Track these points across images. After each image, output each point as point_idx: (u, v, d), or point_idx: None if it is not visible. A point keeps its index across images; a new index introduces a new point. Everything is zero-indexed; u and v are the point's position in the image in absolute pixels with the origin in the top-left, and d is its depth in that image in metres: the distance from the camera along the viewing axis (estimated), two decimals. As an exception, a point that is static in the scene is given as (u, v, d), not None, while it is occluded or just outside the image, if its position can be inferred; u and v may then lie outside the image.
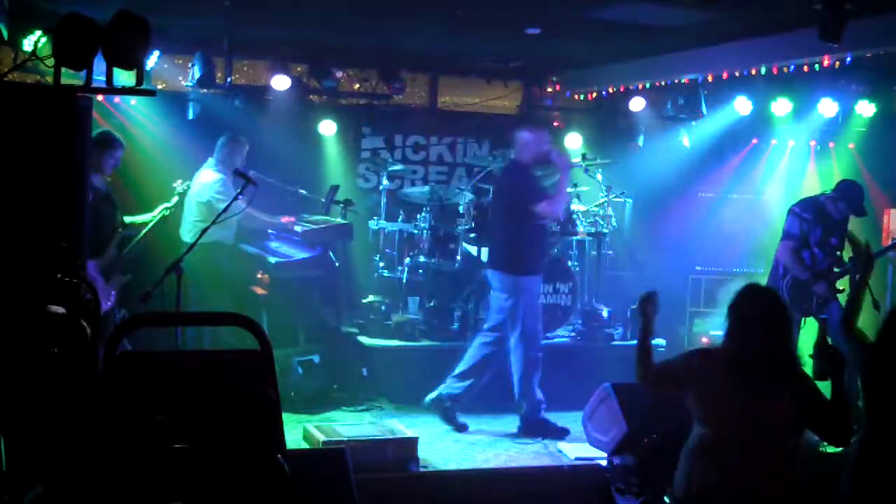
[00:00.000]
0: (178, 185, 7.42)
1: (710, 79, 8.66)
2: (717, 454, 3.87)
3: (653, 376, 4.08)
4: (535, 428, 6.92)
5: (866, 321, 6.63)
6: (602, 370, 7.24)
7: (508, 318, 6.94)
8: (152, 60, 8.32)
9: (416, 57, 9.59)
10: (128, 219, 7.05)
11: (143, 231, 7.07)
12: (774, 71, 7.88)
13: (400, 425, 6.16)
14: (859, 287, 4.58)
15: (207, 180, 7.60)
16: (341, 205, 8.38)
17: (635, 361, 4.11)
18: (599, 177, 9.07)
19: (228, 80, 8.88)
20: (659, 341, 8.50)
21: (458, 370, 7.12)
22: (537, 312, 7.05)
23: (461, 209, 8.55)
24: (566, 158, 7.19)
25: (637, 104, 9.58)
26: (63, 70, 4.54)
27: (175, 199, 7.33)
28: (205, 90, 8.70)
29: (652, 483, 5.46)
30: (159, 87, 8.96)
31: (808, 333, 7.29)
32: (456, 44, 8.67)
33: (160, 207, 7.25)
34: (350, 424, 6.40)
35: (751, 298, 3.97)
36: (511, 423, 7.18)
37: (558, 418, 7.32)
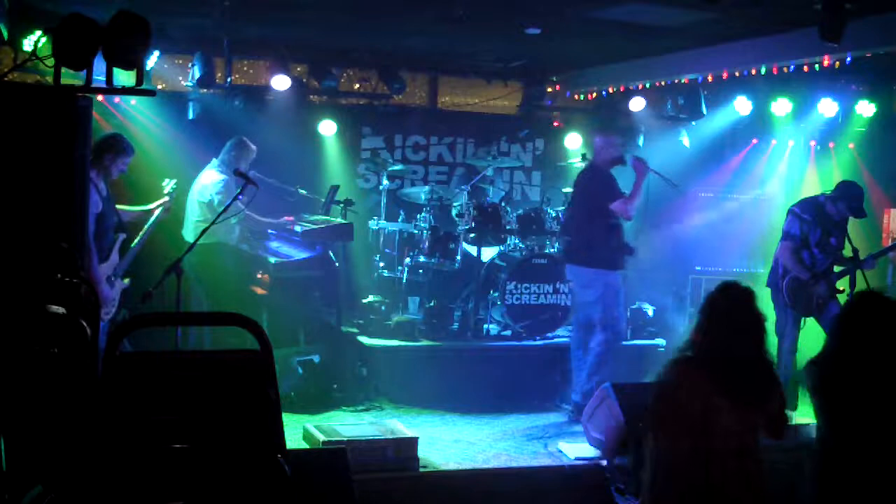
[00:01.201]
0: (167, 185, 7.19)
1: (710, 79, 8.67)
2: (696, 465, 3.83)
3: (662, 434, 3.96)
4: None
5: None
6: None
7: (591, 310, 7.24)
8: (152, 60, 8.31)
9: (416, 57, 9.59)
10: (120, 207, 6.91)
11: (141, 235, 6.93)
12: (774, 71, 7.88)
13: (400, 425, 6.15)
14: None
15: (210, 181, 7.60)
16: (341, 205, 8.37)
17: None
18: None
19: (228, 80, 8.88)
20: (659, 341, 8.52)
21: (582, 374, 7.23)
22: (617, 304, 7.30)
23: (454, 212, 8.56)
24: (640, 162, 7.35)
25: (637, 104, 9.58)
26: (63, 70, 4.54)
27: (165, 198, 7.07)
28: (205, 90, 8.70)
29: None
30: (159, 87, 8.96)
31: (808, 333, 7.31)
32: (456, 44, 8.67)
33: (156, 206, 7.05)
34: (350, 424, 6.39)
35: (732, 303, 3.91)
36: (511, 423, 7.18)
37: (558, 418, 7.33)
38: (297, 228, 7.91)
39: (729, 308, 3.90)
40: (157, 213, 7.02)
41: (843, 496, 3.95)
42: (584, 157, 9.14)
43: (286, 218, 8.07)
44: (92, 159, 6.31)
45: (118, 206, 6.79)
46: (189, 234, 7.54)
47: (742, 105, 9.18)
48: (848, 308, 4.17)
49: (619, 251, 7.36)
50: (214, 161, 7.79)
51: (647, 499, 3.92)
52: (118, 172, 6.60)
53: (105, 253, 6.39)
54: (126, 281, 6.63)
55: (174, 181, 7.20)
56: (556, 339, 8.35)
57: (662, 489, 3.88)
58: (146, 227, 6.91)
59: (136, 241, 6.75)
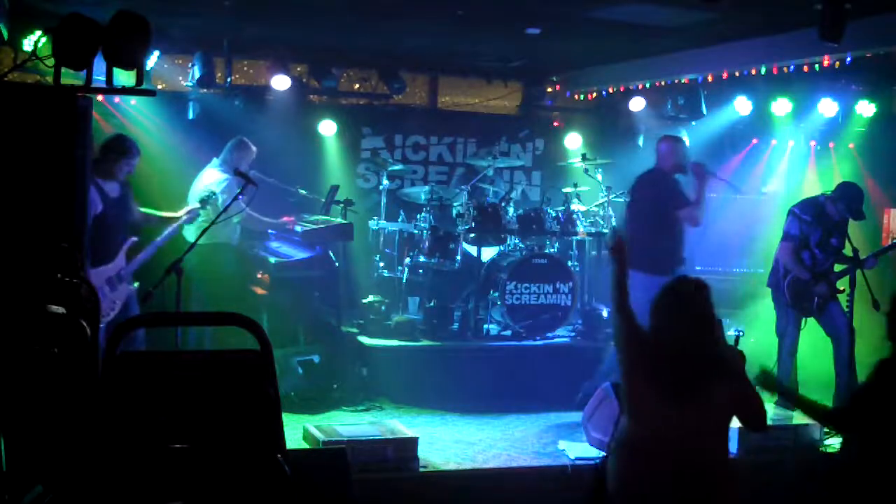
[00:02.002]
0: (201, 192, 7.16)
1: (710, 79, 8.67)
2: (640, 452, 3.84)
3: (627, 312, 4.03)
4: None
5: (866, 321, 6.67)
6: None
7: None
8: (152, 60, 8.31)
9: (416, 57, 9.59)
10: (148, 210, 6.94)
11: (154, 240, 6.84)
12: (774, 71, 7.88)
13: (400, 425, 6.15)
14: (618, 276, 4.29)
15: (213, 180, 7.59)
16: (341, 205, 8.37)
17: (613, 292, 4.11)
18: (599, 177, 9.07)
19: (228, 80, 8.89)
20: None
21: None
22: None
23: (454, 212, 8.56)
24: (701, 167, 7.30)
25: (637, 104, 9.58)
26: (63, 70, 4.54)
27: (197, 205, 7.05)
28: (205, 90, 8.71)
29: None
30: (159, 87, 8.96)
31: (808, 333, 7.31)
32: (456, 44, 8.67)
33: (184, 213, 7.03)
34: (350, 424, 6.39)
35: (666, 292, 3.94)
36: (511, 423, 7.18)
37: (558, 418, 7.32)
38: (297, 228, 7.91)
39: (671, 301, 3.91)
40: (181, 218, 6.98)
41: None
42: (584, 157, 9.15)
43: (286, 218, 8.07)
44: (97, 160, 6.36)
45: (146, 210, 6.78)
46: (191, 233, 7.53)
47: (742, 105, 9.18)
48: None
49: (679, 258, 7.31)
50: (215, 161, 7.78)
51: (612, 478, 3.92)
52: (125, 174, 6.60)
53: (107, 254, 6.39)
54: (136, 285, 6.62)
55: (210, 191, 7.15)
56: (556, 339, 8.35)
57: (623, 471, 3.90)
58: (163, 233, 6.86)
59: (147, 245, 6.74)
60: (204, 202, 6.99)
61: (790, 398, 4.55)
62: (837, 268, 7.11)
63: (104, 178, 6.46)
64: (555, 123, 10.79)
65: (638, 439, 3.86)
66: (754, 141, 10.13)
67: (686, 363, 3.78)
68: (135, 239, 6.67)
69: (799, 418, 6.66)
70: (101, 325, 6.11)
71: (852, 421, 4.12)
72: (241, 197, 6.42)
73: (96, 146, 6.57)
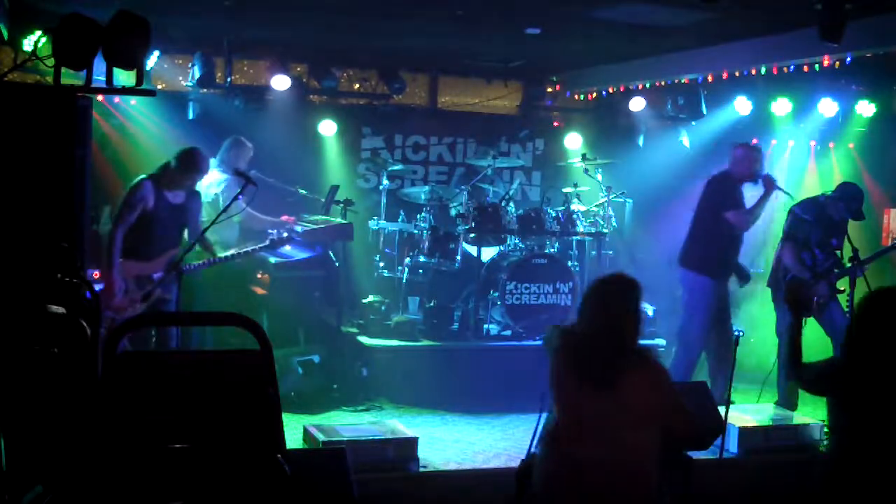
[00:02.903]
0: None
1: (710, 79, 8.67)
2: (558, 443, 3.88)
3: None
4: None
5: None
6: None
7: (693, 314, 7.36)
8: (152, 60, 8.32)
9: (416, 57, 9.59)
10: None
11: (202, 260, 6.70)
12: (774, 71, 7.88)
13: (400, 425, 6.15)
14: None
15: (213, 180, 7.60)
16: (341, 205, 8.37)
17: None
18: (599, 177, 9.07)
19: (228, 80, 8.89)
20: (659, 341, 8.51)
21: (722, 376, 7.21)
22: (705, 315, 7.30)
23: (454, 212, 8.57)
24: (770, 179, 7.33)
25: (637, 104, 9.58)
26: (63, 70, 4.54)
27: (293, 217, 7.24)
28: (205, 90, 8.71)
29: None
30: (159, 87, 8.96)
31: (808, 333, 7.30)
32: (456, 44, 8.67)
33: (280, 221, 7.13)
34: (350, 424, 6.39)
35: (585, 292, 4.05)
36: (511, 423, 7.18)
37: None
38: (297, 228, 7.91)
39: (601, 294, 3.99)
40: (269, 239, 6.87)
41: (859, 499, 3.93)
42: (584, 157, 9.15)
43: (286, 218, 8.07)
44: (167, 168, 6.48)
45: (206, 241, 6.69)
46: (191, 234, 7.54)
47: (742, 105, 9.18)
48: (863, 307, 4.15)
49: (726, 263, 7.35)
50: (213, 161, 7.79)
51: (538, 471, 3.94)
52: (188, 189, 6.60)
53: (147, 252, 6.38)
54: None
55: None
56: (556, 339, 8.34)
57: (545, 463, 3.93)
58: (221, 255, 6.70)
59: (193, 263, 6.62)
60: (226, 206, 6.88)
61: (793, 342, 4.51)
62: (837, 269, 7.11)
63: (169, 188, 6.47)
64: (555, 123, 10.79)
65: (559, 429, 3.89)
66: (754, 141, 10.12)
67: (605, 352, 3.83)
68: (180, 250, 6.56)
69: (799, 418, 6.67)
70: (118, 320, 6.12)
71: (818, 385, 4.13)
72: (241, 197, 6.42)
73: (171, 156, 6.60)
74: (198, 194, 6.81)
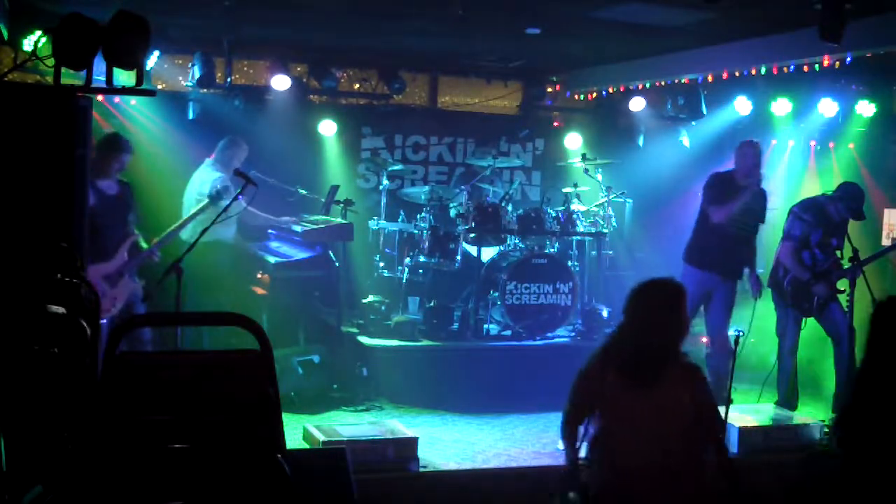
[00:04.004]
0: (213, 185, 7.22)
1: (710, 79, 8.67)
2: (607, 447, 3.92)
3: (576, 432, 4.14)
4: None
5: (866, 321, 6.66)
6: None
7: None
8: (152, 60, 8.32)
9: (416, 57, 9.59)
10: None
11: (161, 237, 6.85)
12: (774, 71, 7.88)
13: (400, 425, 6.15)
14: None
15: (207, 178, 7.60)
16: (341, 205, 8.37)
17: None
18: (599, 177, 9.08)
19: (228, 80, 8.89)
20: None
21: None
22: (709, 309, 7.37)
23: (453, 212, 8.57)
24: (752, 179, 7.24)
25: (637, 104, 9.58)
26: (63, 70, 4.54)
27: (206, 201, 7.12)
28: (205, 90, 8.71)
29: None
30: (159, 87, 8.97)
31: (808, 333, 7.31)
32: (456, 44, 8.67)
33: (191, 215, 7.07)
34: (350, 424, 6.39)
35: (630, 294, 4.06)
36: (511, 423, 7.18)
37: (558, 418, 7.30)
38: (297, 228, 7.92)
39: (651, 296, 4.03)
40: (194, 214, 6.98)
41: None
42: (584, 157, 9.15)
43: (286, 218, 8.07)
44: (94, 159, 6.36)
45: (159, 237, 6.76)
46: (187, 233, 7.53)
47: (742, 105, 9.18)
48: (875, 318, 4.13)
49: (713, 256, 7.30)
50: (208, 161, 7.80)
51: (588, 478, 3.97)
52: (116, 171, 6.60)
53: (104, 251, 6.38)
54: (142, 283, 6.61)
55: (216, 186, 7.10)
56: (555, 339, 8.35)
57: (598, 469, 3.97)
58: (167, 231, 6.84)
59: (154, 241, 6.73)
60: (215, 197, 6.98)
61: None
62: (837, 269, 7.10)
63: (98, 177, 6.47)
64: (555, 123, 10.79)
65: (607, 434, 3.93)
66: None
67: (653, 356, 3.88)
68: (136, 236, 6.66)
69: (799, 418, 6.67)
70: (103, 322, 6.12)
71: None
72: (240, 197, 6.42)
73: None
74: (129, 185, 6.79)
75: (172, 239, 6.82)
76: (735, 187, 7.20)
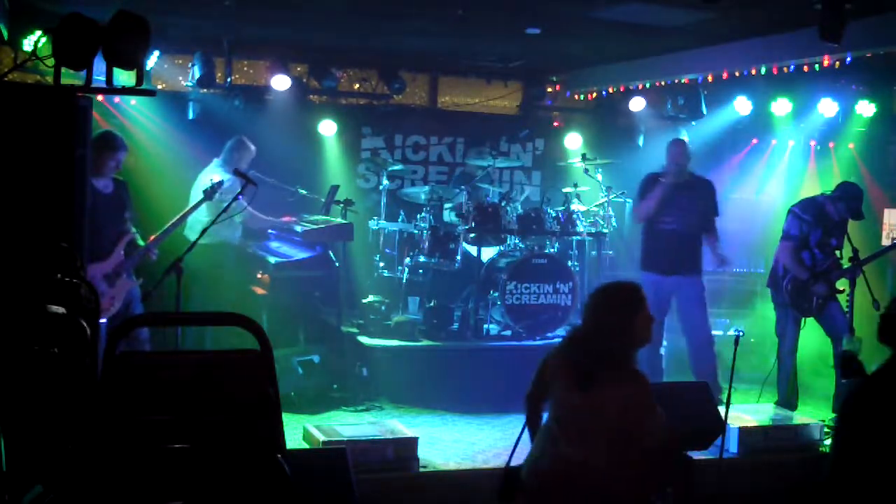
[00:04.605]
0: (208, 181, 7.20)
1: (710, 79, 8.67)
2: (549, 442, 3.92)
3: (536, 409, 4.22)
4: None
5: (866, 321, 6.67)
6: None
7: None
8: (152, 60, 8.32)
9: (416, 57, 9.60)
10: None
11: (157, 233, 6.81)
12: (774, 71, 7.88)
13: (400, 425, 6.15)
14: None
15: (214, 178, 7.59)
16: (341, 205, 8.37)
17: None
18: (599, 177, 9.07)
19: (228, 80, 8.89)
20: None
21: None
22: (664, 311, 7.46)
23: (453, 212, 8.56)
24: (668, 176, 7.51)
25: (637, 104, 9.58)
26: (63, 70, 4.54)
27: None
28: (205, 90, 8.71)
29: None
30: (159, 87, 8.97)
31: (808, 333, 7.31)
32: (456, 44, 8.67)
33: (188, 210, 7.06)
34: (350, 424, 6.38)
35: (589, 294, 4.07)
36: (512, 423, 7.17)
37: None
38: (297, 228, 7.91)
39: (597, 299, 4.01)
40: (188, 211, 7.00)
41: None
42: (584, 157, 9.15)
43: (286, 218, 8.07)
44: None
45: (158, 233, 6.76)
46: (193, 233, 7.53)
47: (742, 105, 9.18)
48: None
49: (659, 257, 7.47)
50: (215, 161, 7.79)
51: (531, 464, 4.00)
52: (111, 169, 6.59)
53: (100, 250, 6.39)
54: (140, 282, 6.62)
55: (213, 182, 7.09)
56: (556, 339, 8.33)
57: (539, 459, 3.98)
58: (163, 228, 6.83)
59: (150, 239, 6.74)
60: (209, 193, 6.98)
61: None
62: (836, 269, 7.11)
63: (93, 175, 6.46)
64: (555, 123, 10.80)
65: (551, 426, 3.94)
66: (754, 141, 10.14)
67: (589, 357, 3.87)
68: (133, 234, 6.66)
69: (799, 418, 6.67)
70: (102, 321, 6.12)
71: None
72: (241, 197, 6.42)
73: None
74: (125, 184, 6.78)
75: (167, 236, 6.80)
76: (656, 185, 7.47)
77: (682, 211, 7.41)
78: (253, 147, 7.84)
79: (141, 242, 6.73)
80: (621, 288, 4.03)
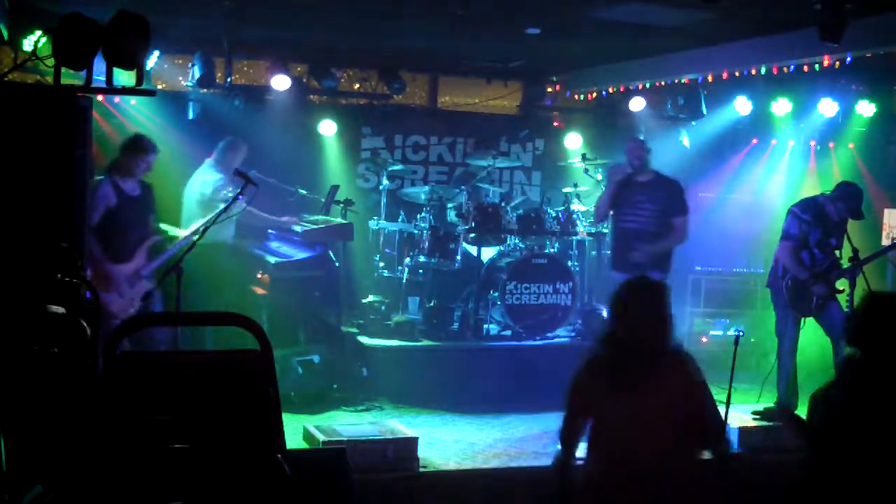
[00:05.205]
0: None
1: (710, 79, 8.67)
2: (598, 447, 3.91)
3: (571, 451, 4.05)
4: None
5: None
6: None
7: None
8: (152, 60, 8.32)
9: (416, 57, 9.59)
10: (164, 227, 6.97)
11: (180, 239, 6.83)
12: (774, 71, 7.88)
13: (400, 425, 6.16)
14: None
15: (208, 178, 7.60)
16: (341, 205, 8.38)
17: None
18: (599, 177, 9.07)
19: (228, 80, 8.89)
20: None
21: None
22: None
23: (453, 212, 8.56)
24: (615, 172, 7.70)
25: (637, 104, 9.58)
26: (63, 70, 4.54)
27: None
28: (205, 90, 8.71)
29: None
30: (159, 87, 8.97)
31: (808, 333, 7.31)
32: (456, 44, 8.66)
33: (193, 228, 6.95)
34: (350, 424, 6.39)
35: (616, 293, 4.03)
36: (511, 423, 7.18)
37: (558, 418, 7.31)
38: (297, 228, 7.91)
39: (630, 297, 3.99)
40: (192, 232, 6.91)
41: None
42: (584, 157, 9.15)
43: (286, 219, 8.07)
44: (116, 159, 6.56)
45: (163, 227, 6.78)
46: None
47: (742, 105, 9.18)
48: (860, 313, 4.12)
49: (622, 255, 7.54)
50: (208, 161, 7.80)
51: (582, 477, 3.97)
52: (142, 171, 6.67)
53: (123, 251, 6.40)
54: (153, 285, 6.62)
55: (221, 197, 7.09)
56: (555, 339, 8.35)
57: (590, 467, 3.96)
58: (180, 240, 6.82)
59: (169, 247, 6.73)
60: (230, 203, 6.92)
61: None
62: (836, 269, 7.11)
63: (122, 176, 6.53)
64: (555, 123, 10.79)
65: (600, 436, 3.92)
66: (754, 141, 10.14)
67: (640, 354, 3.86)
68: (158, 238, 6.69)
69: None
70: (118, 323, 6.12)
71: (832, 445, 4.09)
72: (240, 197, 6.42)
73: (116, 146, 6.73)
74: (150, 187, 6.84)
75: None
76: (611, 183, 7.70)
77: (641, 209, 7.52)
78: (244, 147, 7.85)
79: (169, 245, 6.75)
80: (648, 282, 4.07)
